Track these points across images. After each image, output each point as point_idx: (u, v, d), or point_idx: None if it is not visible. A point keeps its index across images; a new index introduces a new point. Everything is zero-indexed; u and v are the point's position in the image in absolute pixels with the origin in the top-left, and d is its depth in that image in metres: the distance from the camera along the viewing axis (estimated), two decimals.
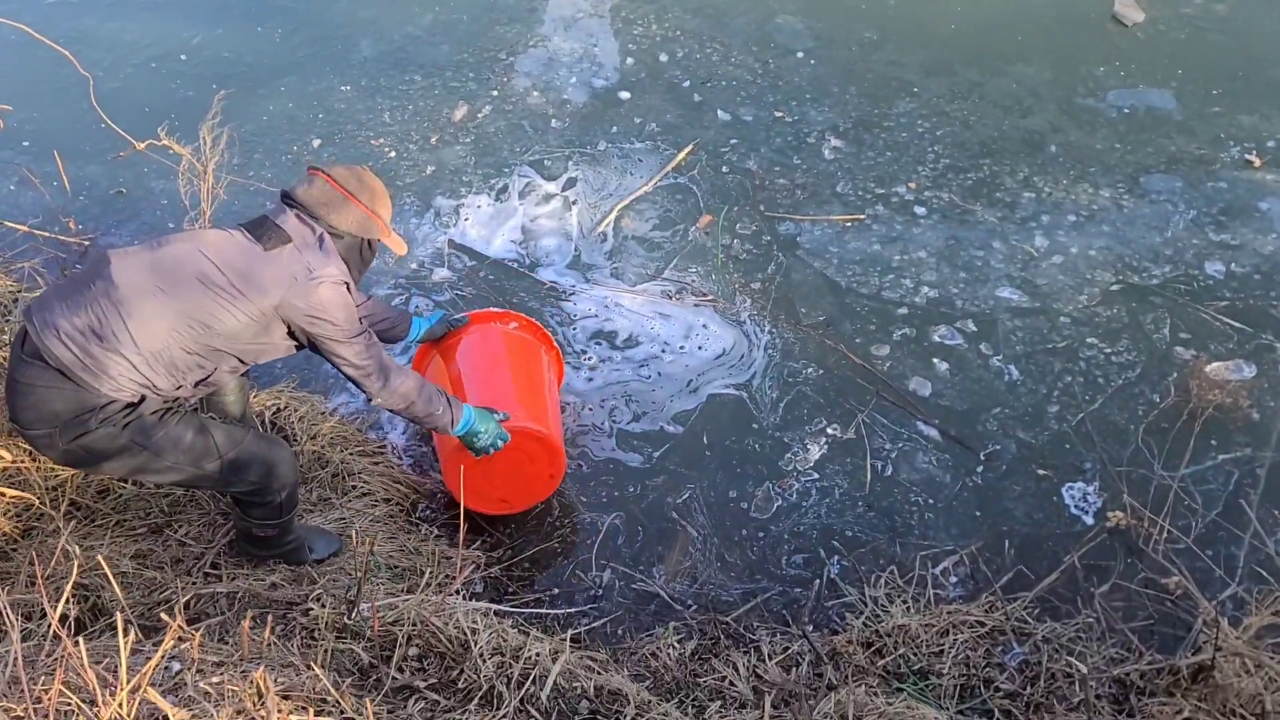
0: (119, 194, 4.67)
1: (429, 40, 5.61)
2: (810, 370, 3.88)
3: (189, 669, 1.86)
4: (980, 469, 3.55)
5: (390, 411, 2.93)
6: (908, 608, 3.07)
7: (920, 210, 4.56)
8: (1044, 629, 2.99)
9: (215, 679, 1.80)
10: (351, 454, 3.43)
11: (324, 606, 2.55)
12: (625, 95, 5.24)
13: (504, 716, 2.28)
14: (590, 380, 3.87)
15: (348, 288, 2.63)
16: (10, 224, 4.23)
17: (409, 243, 4.44)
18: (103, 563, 2.01)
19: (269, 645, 2.16)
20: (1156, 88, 5.19)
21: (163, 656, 1.72)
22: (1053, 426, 3.67)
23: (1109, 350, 3.91)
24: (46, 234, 4.31)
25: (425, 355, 3.56)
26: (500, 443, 3.06)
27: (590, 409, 3.77)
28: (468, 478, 3.10)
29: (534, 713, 2.33)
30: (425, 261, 4.36)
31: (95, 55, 5.34)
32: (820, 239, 4.45)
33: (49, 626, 1.78)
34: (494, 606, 2.89)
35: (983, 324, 4.04)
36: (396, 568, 3.13)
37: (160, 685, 1.81)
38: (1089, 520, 3.37)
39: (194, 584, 2.76)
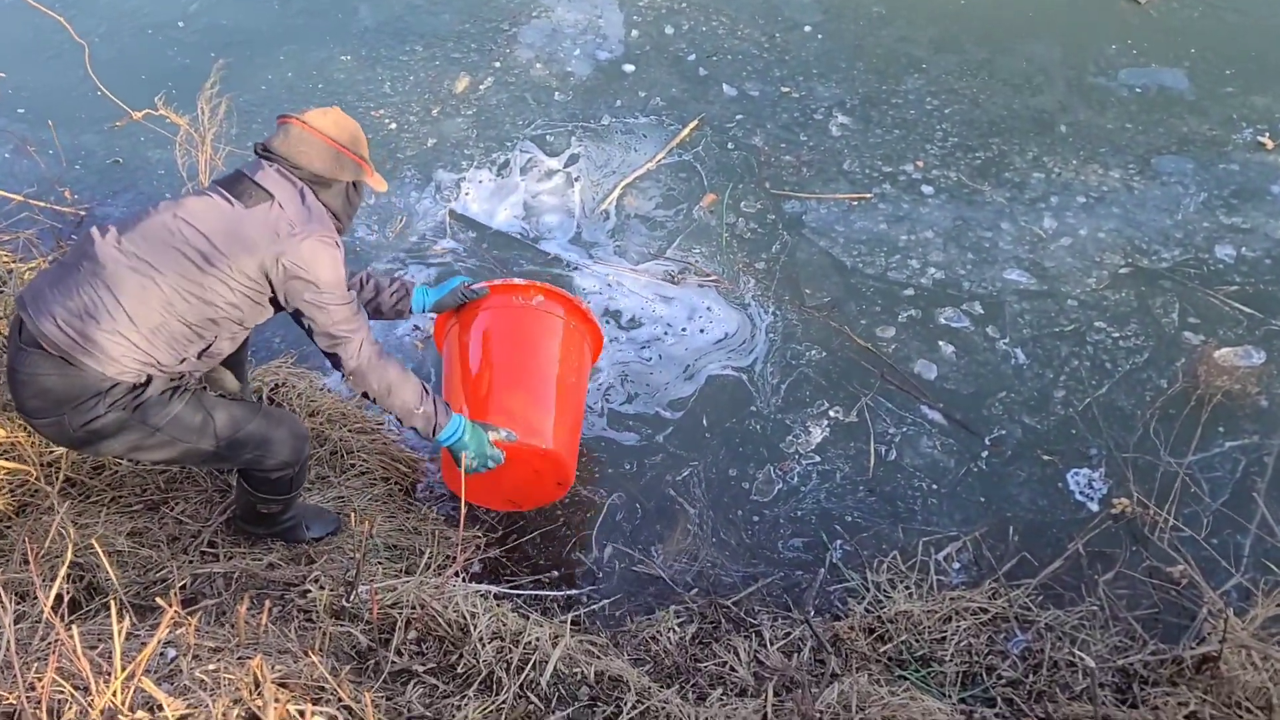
0: (115, 164, 4.60)
1: (430, 9, 5.52)
2: (814, 352, 3.84)
3: (185, 655, 1.83)
4: (985, 454, 3.51)
5: (365, 397, 2.75)
6: (910, 593, 3.05)
7: (928, 190, 4.50)
8: (1047, 616, 2.96)
9: (211, 666, 1.77)
10: (350, 431, 3.39)
11: (322, 589, 2.52)
12: (629, 68, 5.16)
13: (503, 702, 2.25)
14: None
15: (335, 245, 2.53)
16: (5, 194, 4.16)
17: (410, 216, 4.39)
18: (96, 545, 1.97)
19: (266, 630, 2.13)
20: (1169, 67, 5.11)
21: (158, 644, 1.69)
22: (1059, 411, 3.63)
23: (1117, 334, 3.87)
24: (42, 204, 4.24)
25: (443, 326, 3.34)
26: (491, 464, 2.90)
27: (592, 389, 3.73)
28: (472, 478, 2.95)
29: (533, 699, 2.30)
30: (426, 234, 4.31)
31: (90, 22, 5.25)
32: (826, 218, 4.39)
33: (46, 605, 1.74)
34: (494, 589, 2.86)
35: (990, 306, 4.00)
36: (395, 548, 3.10)
37: (155, 672, 1.79)
38: (1094, 507, 3.35)
39: (190, 563, 2.74)
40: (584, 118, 4.88)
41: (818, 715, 2.22)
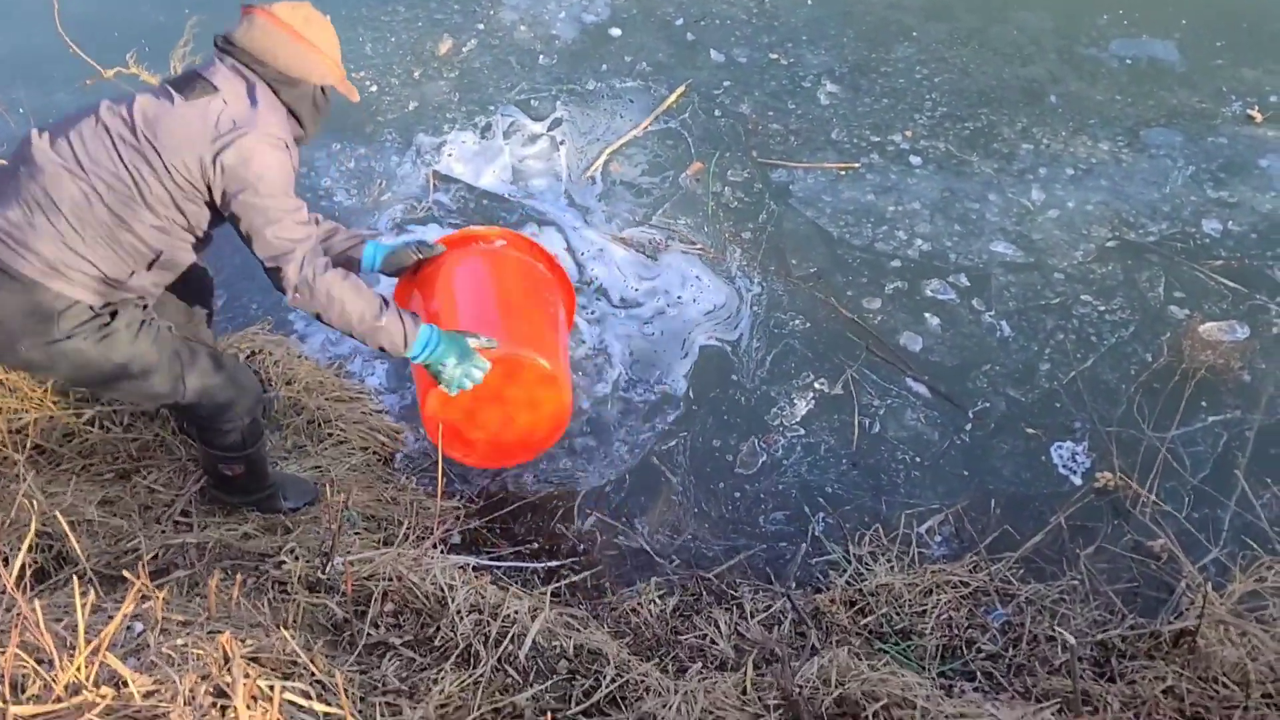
0: None
1: None
2: (799, 322, 3.81)
3: (152, 630, 1.79)
4: (969, 427, 3.50)
5: (317, 319, 2.48)
6: (892, 566, 3.04)
7: (916, 160, 4.45)
8: (1028, 590, 2.96)
9: (180, 641, 1.73)
10: (328, 400, 3.35)
11: (297, 559, 2.49)
12: (616, 32, 5.07)
13: (481, 675, 2.23)
14: (578, 330, 3.78)
15: (286, 149, 2.33)
16: None
17: (389, 180, 4.31)
18: (60, 518, 1.93)
19: (238, 603, 2.09)
20: (1160, 38, 5.06)
21: (124, 618, 1.65)
22: (1043, 385, 3.62)
23: (1103, 308, 3.85)
24: None
25: (404, 295, 3.05)
26: (477, 373, 2.61)
27: (577, 358, 3.68)
28: (459, 429, 2.81)
29: (511, 672, 2.28)
30: (407, 198, 4.23)
31: None
32: (813, 187, 4.34)
33: (9, 578, 1.70)
34: (472, 561, 2.83)
35: (976, 279, 3.97)
36: (373, 518, 3.06)
37: (122, 647, 1.75)
38: (1077, 481, 3.34)
39: (163, 533, 2.69)
40: (569, 82, 4.80)
41: (797, 690, 2.20)
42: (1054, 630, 2.73)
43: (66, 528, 1.87)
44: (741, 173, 4.39)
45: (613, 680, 2.29)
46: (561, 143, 4.51)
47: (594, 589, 3.05)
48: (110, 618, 1.80)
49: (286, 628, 2.00)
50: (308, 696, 1.69)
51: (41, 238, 2.24)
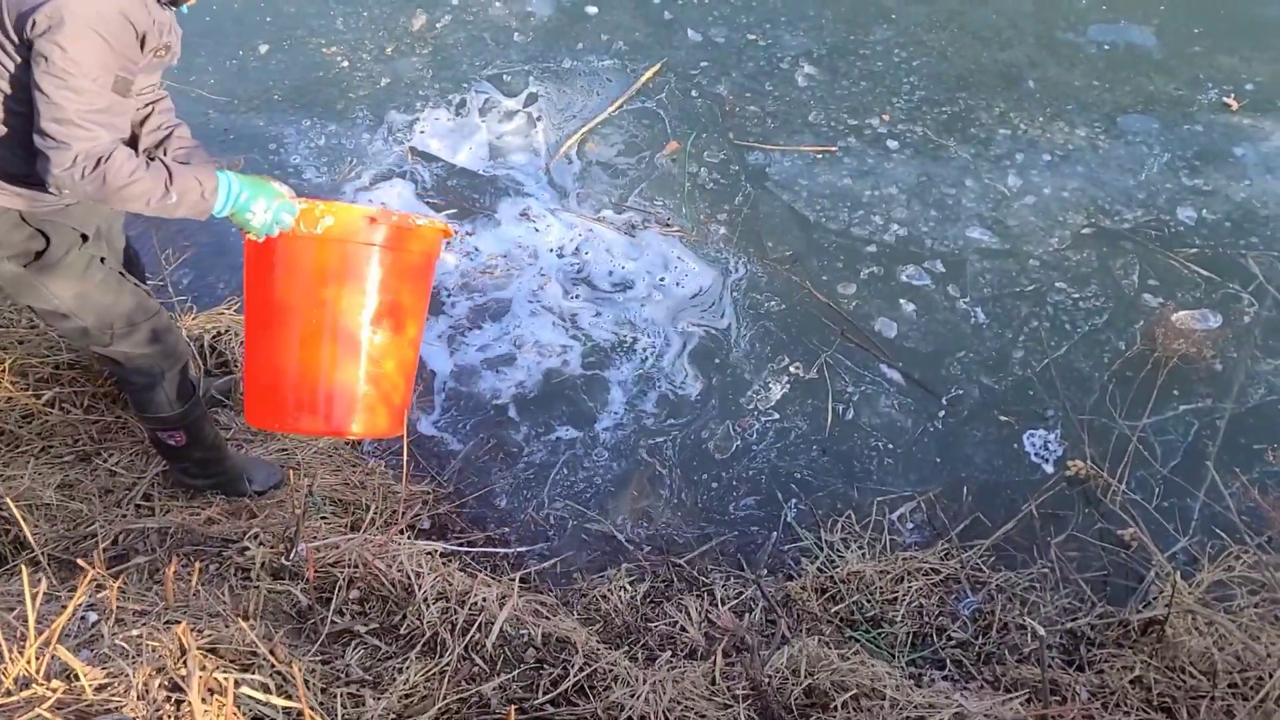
0: None
1: None
2: (775, 305, 3.78)
3: (107, 620, 1.75)
4: (942, 414, 3.49)
5: (93, 199, 2.10)
6: (863, 553, 3.03)
7: (893, 144, 4.42)
8: (999, 578, 2.96)
9: (135, 631, 1.68)
10: None
11: (261, 545, 2.44)
12: (592, 10, 5.00)
13: (447, 664, 2.20)
14: (545, 306, 3.73)
15: (128, 24, 1.98)
16: None
17: (360, 158, 4.23)
18: (10, 504, 1.87)
19: (197, 592, 2.05)
20: (1138, 24, 5.05)
21: (76, 609, 1.60)
22: (1017, 372, 3.61)
23: (1077, 295, 3.84)
24: None
25: (253, 259, 2.49)
26: (287, 218, 2.30)
27: (550, 340, 3.64)
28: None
29: (478, 661, 2.25)
30: (378, 176, 4.16)
31: None
32: (790, 170, 4.30)
33: None
34: (440, 546, 2.80)
35: (951, 264, 3.95)
36: (340, 502, 3.02)
37: (75, 638, 1.70)
38: (1049, 469, 3.34)
39: (123, 517, 2.64)
40: (544, 59, 4.73)
41: (766, 680, 2.19)
42: (1024, 620, 2.74)
43: (17, 514, 1.81)
44: (718, 154, 4.35)
45: (581, 669, 2.27)
46: (539, 119, 4.44)
47: (564, 575, 3.03)
48: (64, 607, 1.76)
49: (247, 617, 1.96)
50: (266, 689, 1.66)
51: None
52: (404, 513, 2.74)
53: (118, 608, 1.78)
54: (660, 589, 2.94)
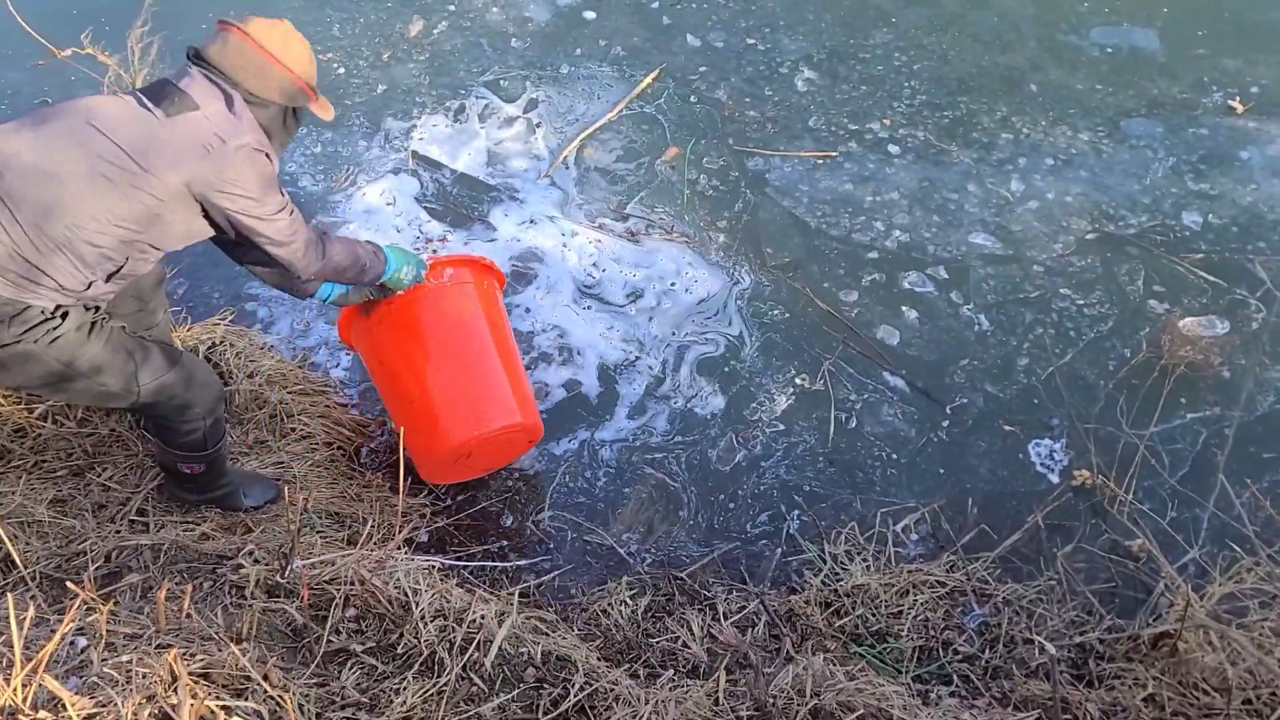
0: (44, 103, 4.34)
1: None
2: (779, 313, 3.74)
3: (97, 645, 1.70)
4: (946, 423, 3.45)
5: (322, 279, 2.66)
6: (868, 566, 2.99)
7: (894, 149, 4.38)
8: (1005, 590, 2.92)
9: (126, 657, 1.64)
10: (291, 393, 3.24)
11: (256, 563, 2.40)
12: (590, 15, 4.96)
13: (445, 685, 2.15)
14: (546, 314, 3.69)
15: (267, 158, 2.32)
16: None
17: (356, 166, 4.19)
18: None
19: (189, 614, 2.00)
20: (1141, 26, 5.01)
21: (63, 637, 1.56)
22: (1021, 380, 3.57)
23: (1081, 302, 3.80)
24: None
25: (349, 322, 3.09)
26: (422, 272, 2.90)
27: (549, 347, 3.60)
28: (444, 460, 3.00)
29: (477, 680, 2.21)
30: (373, 183, 4.12)
31: None
32: (790, 176, 4.26)
33: None
34: (437, 562, 2.75)
35: (954, 271, 3.91)
36: (337, 515, 2.98)
37: (64, 665, 1.66)
38: (1054, 479, 3.30)
39: (117, 534, 2.59)
40: (542, 65, 4.69)
41: (771, 700, 2.15)
42: (1032, 634, 2.69)
43: (5, 538, 1.76)
44: (718, 160, 4.31)
45: (581, 689, 2.22)
46: (538, 124, 4.40)
47: (563, 589, 2.98)
48: (54, 631, 1.71)
49: (240, 640, 1.92)
50: (260, 717, 1.61)
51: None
52: (401, 527, 2.70)
53: (108, 631, 1.73)
54: (661, 603, 2.90)
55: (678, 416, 3.43)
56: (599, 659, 2.51)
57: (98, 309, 2.38)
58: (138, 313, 2.75)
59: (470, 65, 4.66)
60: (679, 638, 2.69)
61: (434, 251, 3.87)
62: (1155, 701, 2.36)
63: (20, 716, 1.49)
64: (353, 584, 2.36)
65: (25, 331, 2.20)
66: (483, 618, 2.36)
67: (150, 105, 2.22)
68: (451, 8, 4.94)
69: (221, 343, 3.31)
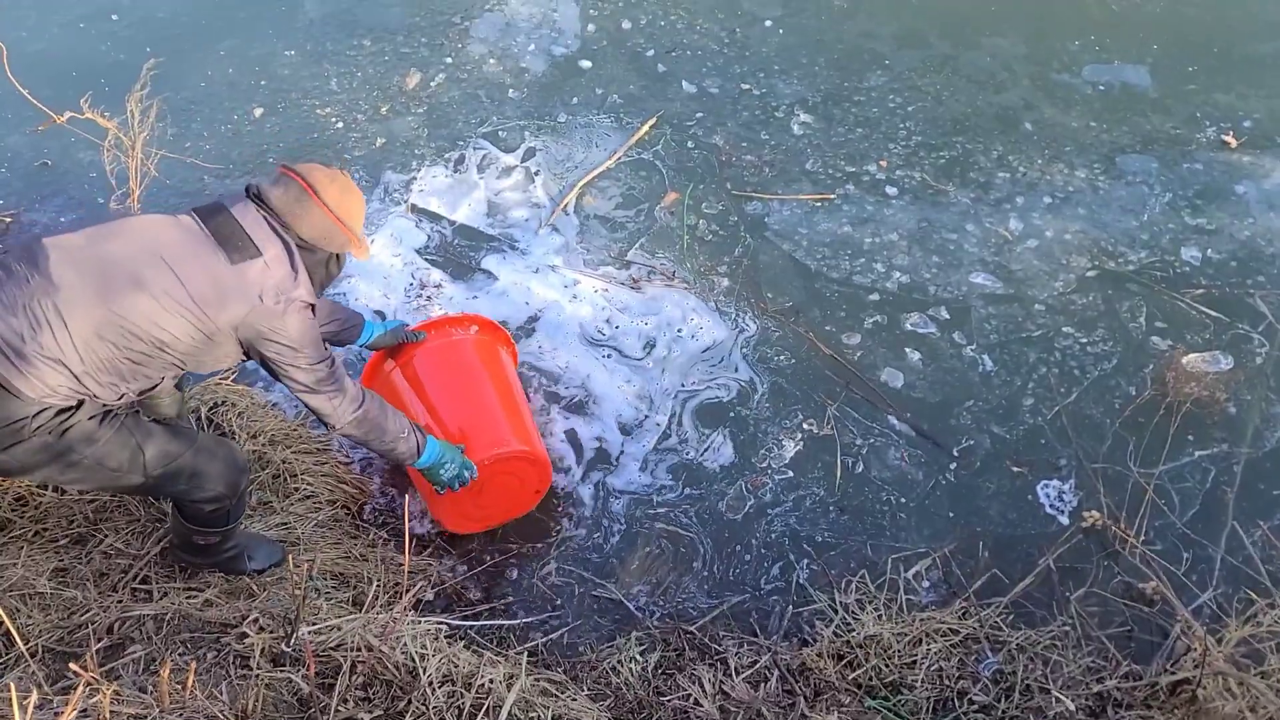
0: (44, 166, 4.37)
1: (379, 1, 5.31)
2: (784, 359, 3.73)
3: None
4: (953, 466, 3.43)
5: (349, 439, 2.76)
6: (879, 615, 2.95)
7: (891, 190, 4.39)
8: (1019, 636, 2.89)
9: None
10: (294, 453, 3.22)
11: (261, 631, 2.37)
12: (586, 64, 5.00)
13: None
14: (547, 362, 3.69)
15: (311, 310, 2.43)
16: None
17: None
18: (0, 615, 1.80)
19: (193, 691, 1.97)
20: (1132, 63, 5.05)
21: None
22: (1027, 421, 3.55)
23: (1085, 340, 3.80)
24: None
25: (377, 367, 3.27)
26: (467, 475, 2.89)
27: (557, 399, 3.59)
28: (458, 505, 3.05)
29: None
30: (379, 235, 4.13)
31: (19, 13, 5.01)
32: (789, 219, 4.27)
33: None
34: (444, 622, 2.72)
35: (956, 311, 3.91)
36: (342, 576, 2.95)
37: None
38: (1064, 520, 3.27)
39: (119, 604, 2.56)
40: (539, 115, 4.72)
41: None
42: (1048, 683, 2.66)
43: (4, 616, 1.74)
44: (716, 205, 4.32)
45: None
46: (536, 173, 4.42)
47: (572, 646, 2.95)
48: (57, 713, 1.69)
49: (245, 716, 1.88)
50: None
51: (42, 354, 2.16)
52: (407, 590, 2.67)
53: (111, 714, 1.70)
54: (672, 658, 2.86)
55: (683, 466, 3.41)
56: None
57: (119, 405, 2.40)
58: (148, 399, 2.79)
59: (468, 117, 4.69)
60: (690, 695, 2.66)
61: (429, 298, 3.92)
62: None
63: None
64: (359, 650, 2.33)
65: (39, 427, 2.21)
66: (491, 681, 2.33)
67: (216, 243, 2.30)
68: (449, 60, 4.98)
69: (223, 403, 3.31)
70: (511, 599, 3.07)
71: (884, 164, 4.52)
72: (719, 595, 3.08)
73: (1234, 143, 4.61)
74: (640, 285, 3.97)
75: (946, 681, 2.78)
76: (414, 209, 4.24)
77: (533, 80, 4.91)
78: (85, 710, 1.72)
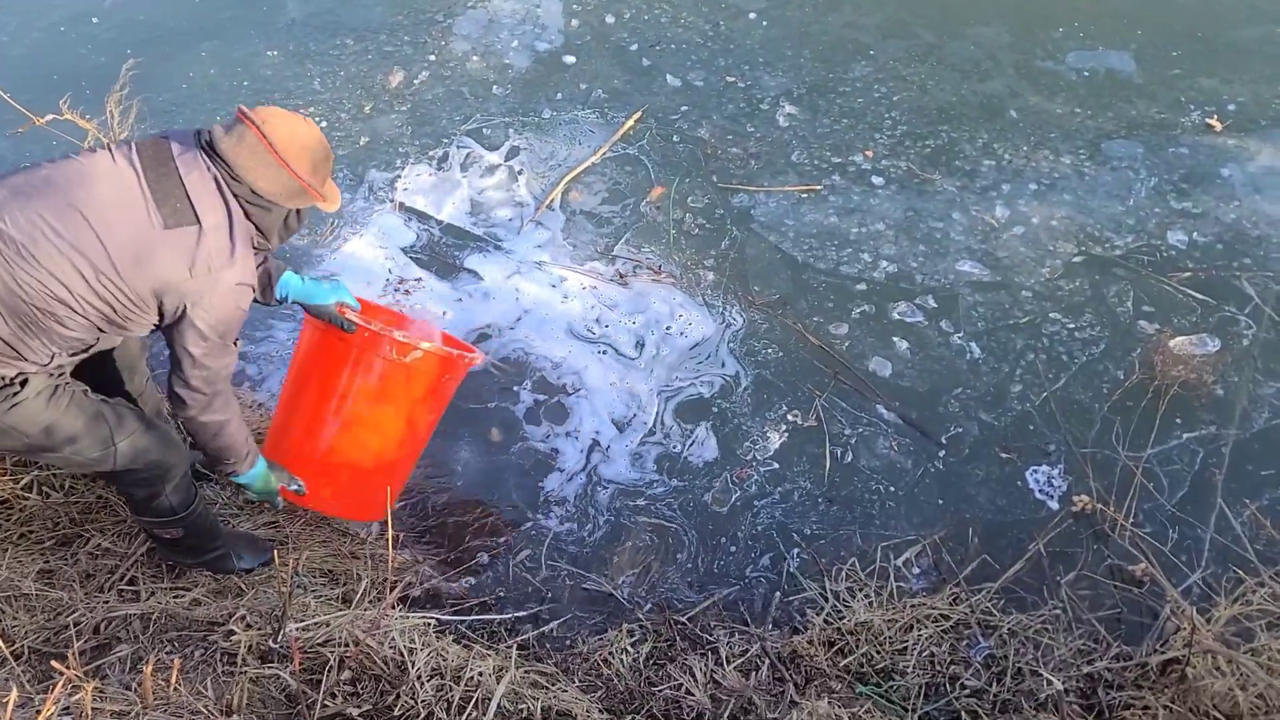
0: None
1: (361, 1, 5.30)
2: (771, 351, 3.73)
3: None
4: (942, 453, 3.42)
5: (188, 432, 2.49)
6: (870, 602, 2.95)
7: (878, 180, 4.39)
8: (1010, 621, 2.88)
9: None
10: None
11: (248, 629, 2.36)
12: (570, 59, 4.99)
13: None
14: (538, 358, 3.68)
15: (251, 290, 2.31)
16: None
17: (340, 220, 4.19)
18: None
19: (177, 688, 1.96)
20: (1116, 49, 5.05)
21: (46, 719, 1.52)
22: (1015, 407, 3.55)
23: (1072, 325, 3.80)
24: None
25: (308, 336, 2.88)
26: (278, 501, 2.76)
27: (543, 390, 3.58)
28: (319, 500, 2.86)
29: None
30: (364, 234, 4.12)
31: (0, 19, 4.99)
32: (775, 211, 4.27)
33: None
34: (433, 617, 2.71)
35: (943, 299, 3.91)
36: (330, 574, 2.94)
37: None
38: (1054, 505, 3.27)
39: (105, 605, 2.54)
40: (524, 112, 4.71)
41: None
42: (1039, 666, 2.66)
43: None
44: (702, 198, 4.32)
45: None
46: (520, 172, 4.42)
47: (562, 639, 2.94)
48: (38, 712, 1.68)
49: (231, 712, 1.88)
50: None
51: None
52: (392, 586, 2.66)
53: (93, 710, 1.69)
54: (663, 649, 2.86)
55: (670, 459, 3.41)
56: (601, 711, 2.47)
57: (61, 372, 2.35)
58: (129, 379, 2.74)
59: (452, 114, 4.68)
60: (682, 685, 2.65)
61: (407, 291, 3.86)
62: None
63: None
64: (347, 646, 2.32)
65: None
66: (481, 675, 2.32)
67: (149, 197, 2.14)
68: (432, 57, 4.97)
69: None
70: (502, 593, 3.06)
71: (870, 154, 4.52)
72: (709, 585, 3.08)
73: (1219, 126, 4.62)
74: (627, 280, 3.97)
75: (938, 667, 2.77)
76: (402, 207, 4.23)
77: (516, 76, 4.90)
78: (68, 709, 1.71)
